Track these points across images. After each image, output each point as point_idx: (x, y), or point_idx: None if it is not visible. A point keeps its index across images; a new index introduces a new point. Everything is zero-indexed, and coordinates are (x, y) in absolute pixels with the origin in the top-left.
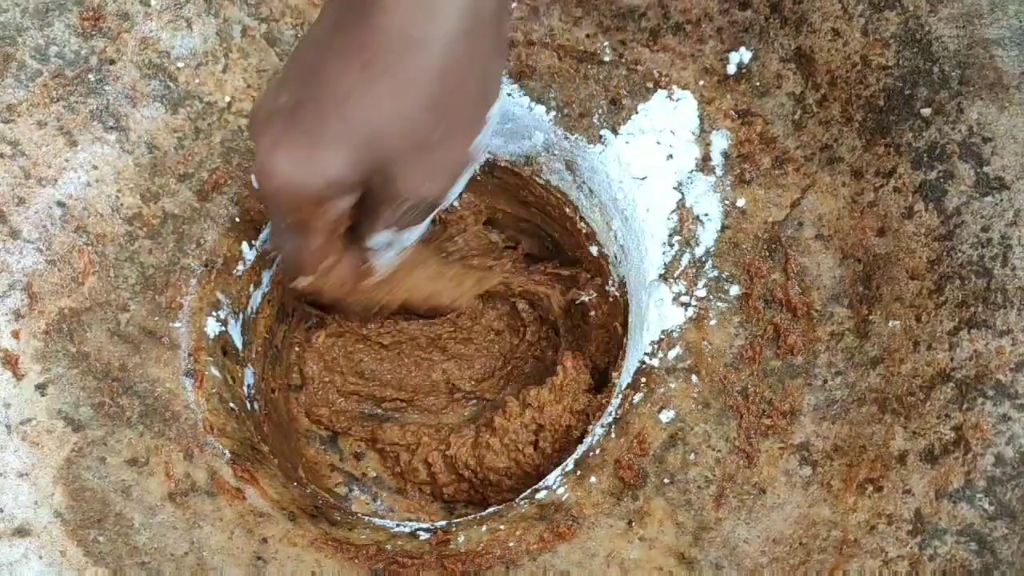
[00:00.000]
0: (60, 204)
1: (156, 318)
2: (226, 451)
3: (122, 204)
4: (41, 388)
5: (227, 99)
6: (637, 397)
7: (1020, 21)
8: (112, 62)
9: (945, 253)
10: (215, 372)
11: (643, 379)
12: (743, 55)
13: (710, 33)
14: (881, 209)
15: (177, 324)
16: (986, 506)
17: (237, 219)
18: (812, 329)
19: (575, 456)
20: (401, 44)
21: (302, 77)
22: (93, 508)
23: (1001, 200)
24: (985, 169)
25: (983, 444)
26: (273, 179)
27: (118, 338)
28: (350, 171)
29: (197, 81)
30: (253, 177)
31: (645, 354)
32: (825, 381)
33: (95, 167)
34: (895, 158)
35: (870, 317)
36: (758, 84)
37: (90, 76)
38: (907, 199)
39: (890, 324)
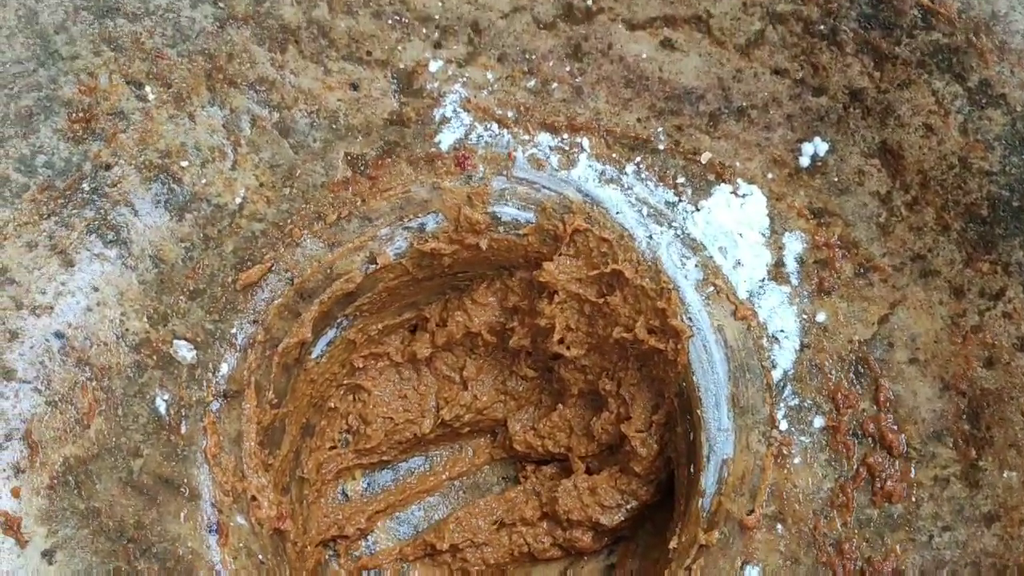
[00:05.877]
0: (58, 335)
1: (173, 463)
2: None
3: (127, 329)
4: (48, 555)
5: (238, 200)
6: (714, 547)
7: None
8: (108, 167)
9: None
10: (240, 521)
11: (719, 525)
12: (818, 146)
13: (779, 120)
14: (988, 336)
15: (196, 470)
16: None
17: (259, 340)
18: (911, 471)
19: None
20: None
21: None
22: None
23: None
24: None
25: None
26: None
27: (131, 489)
28: None
29: (204, 181)
30: None
31: (719, 494)
32: (931, 537)
33: (95, 289)
34: (1003, 278)
35: (980, 463)
36: (836, 180)
37: (84, 185)
38: (1020, 328)
39: (1005, 475)
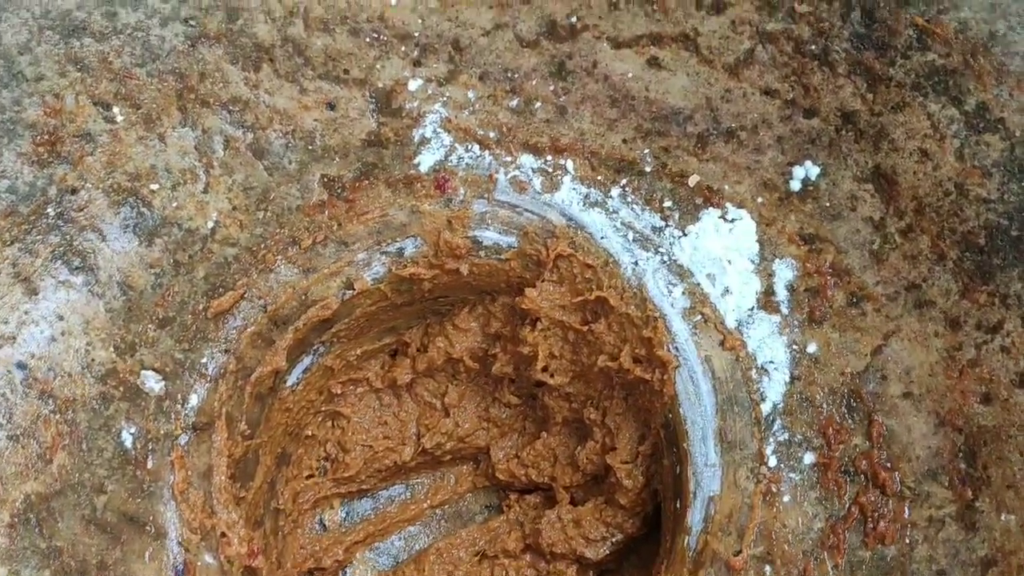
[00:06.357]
0: (21, 366)
1: (138, 500)
2: None
3: (93, 360)
4: None
5: (210, 225)
6: None
7: None
8: (74, 191)
9: None
10: (209, 560)
11: (706, 565)
12: (809, 170)
13: (769, 142)
14: (985, 370)
15: (162, 507)
16: None
17: (230, 369)
18: (904, 511)
19: None
20: None
21: None
22: None
23: None
24: None
25: None
26: None
27: (95, 527)
28: None
29: (175, 205)
30: None
31: (705, 532)
32: None
33: (60, 317)
34: (1001, 310)
35: (976, 504)
36: (828, 205)
37: (49, 210)
38: (1019, 363)
39: (1003, 518)
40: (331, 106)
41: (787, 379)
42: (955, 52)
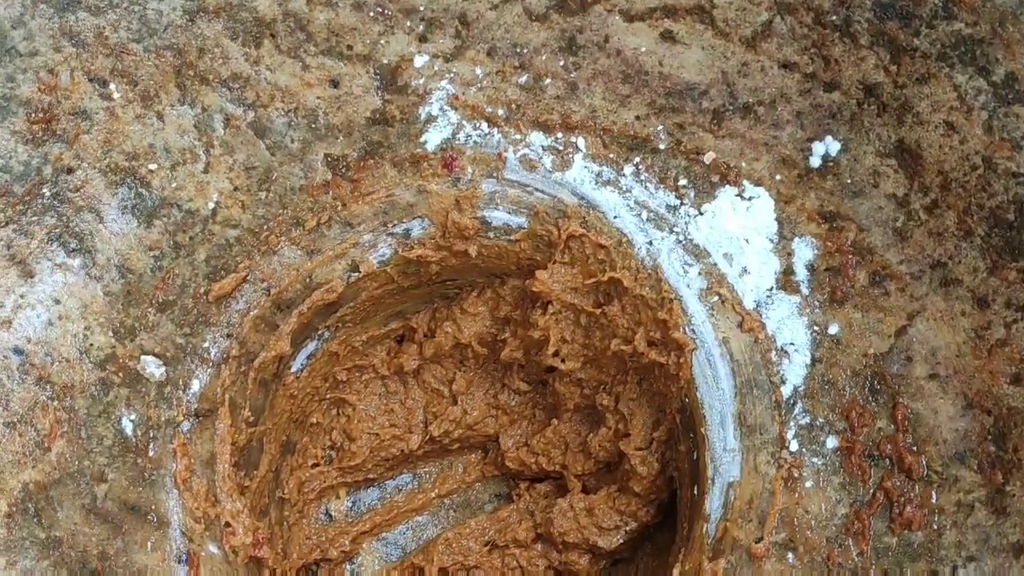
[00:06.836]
0: (17, 351)
1: (139, 488)
2: None
3: (91, 345)
4: None
5: (211, 205)
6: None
7: None
8: (70, 170)
9: None
10: (213, 549)
11: (726, 553)
12: (829, 145)
13: (788, 117)
14: (1015, 350)
15: (165, 496)
16: None
17: (233, 354)
18: (932, 496)
19: None
20: None
21: None
22: None
23: None
24: None
25: None
26: None
27: (95, 517)
28: None
29: (174, 185)
30: None
31: (725, 519)
32: (955, 568)
33: (57, 301)
34: None
35: (1007, 488)
36: (849, 182)
37: (44, 190)
38: None
39: None
40: (334, 83)
41: (808, 361)
42: (982, 21)
